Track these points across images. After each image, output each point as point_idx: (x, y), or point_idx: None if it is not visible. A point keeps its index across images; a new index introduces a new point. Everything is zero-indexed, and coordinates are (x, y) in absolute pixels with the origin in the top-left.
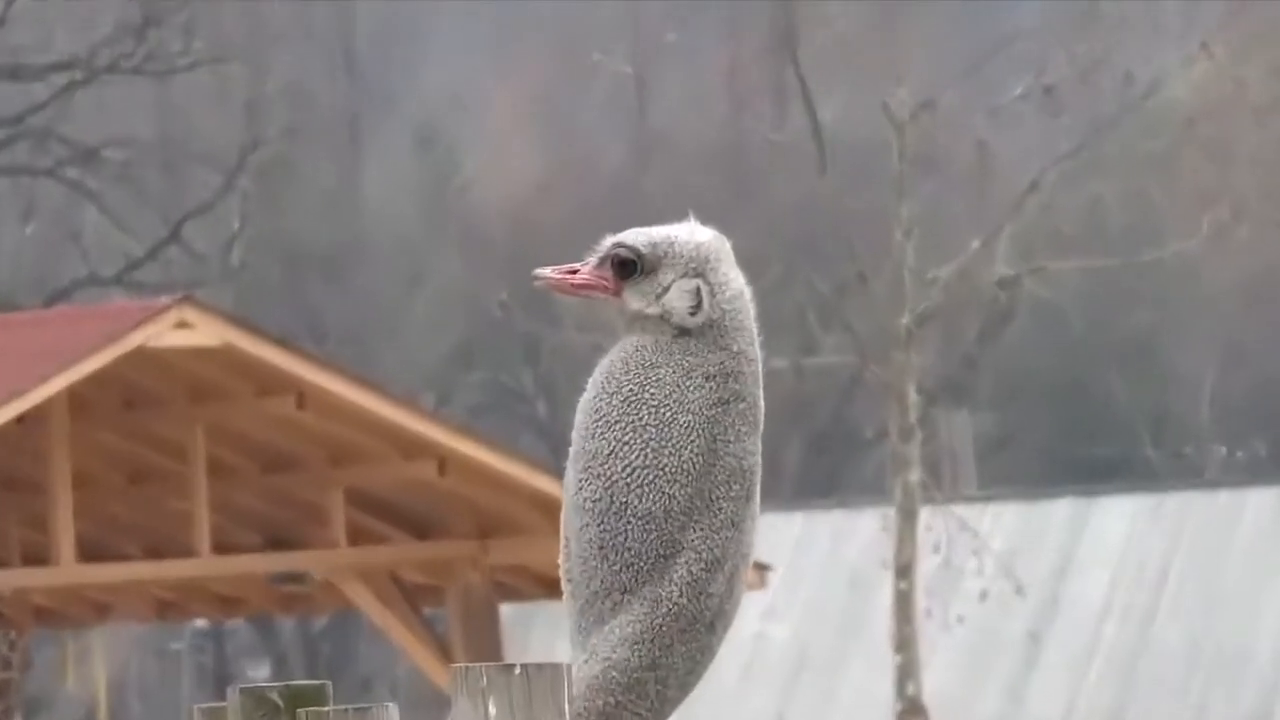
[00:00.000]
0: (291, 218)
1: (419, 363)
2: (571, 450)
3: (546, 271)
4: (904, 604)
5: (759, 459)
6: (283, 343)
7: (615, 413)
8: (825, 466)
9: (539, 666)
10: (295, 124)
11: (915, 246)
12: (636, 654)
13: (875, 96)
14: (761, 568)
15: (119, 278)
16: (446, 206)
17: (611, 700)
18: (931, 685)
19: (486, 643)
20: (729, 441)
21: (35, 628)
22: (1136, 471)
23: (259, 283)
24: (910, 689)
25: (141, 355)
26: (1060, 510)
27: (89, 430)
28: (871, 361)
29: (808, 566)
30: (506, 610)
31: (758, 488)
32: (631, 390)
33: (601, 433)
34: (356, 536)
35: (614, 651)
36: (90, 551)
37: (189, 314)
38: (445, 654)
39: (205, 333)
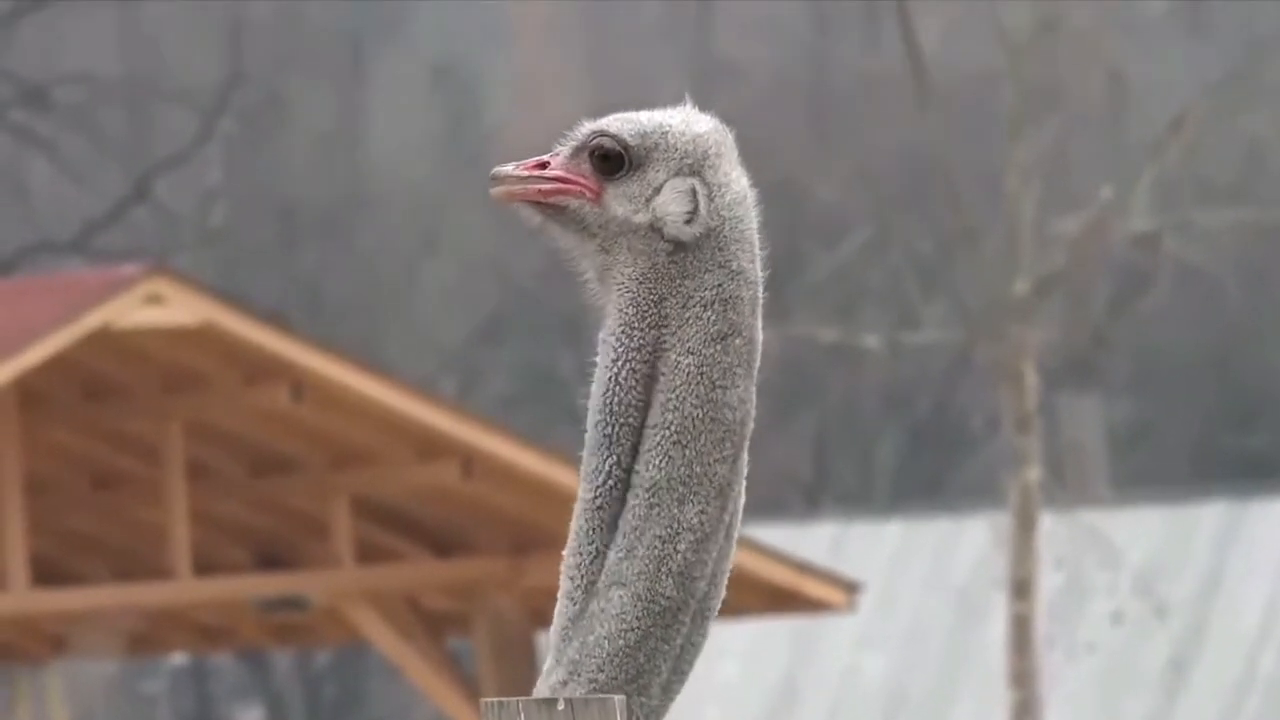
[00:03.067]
0: (282, 169)
1: (437, 344)
2: (590, 437)
3: (508, 169)
4: (1021, 630)
5: (751, 410)
6: (274, 321)
7: (645, 368)
8: (926, 464)
9: (585, 701)
10: (286, 55)
11: (1035, 197)
12: (623, 671)
13: (987, 15)
14: (851, 587)
15: (76, 243)
16: (468, 154)
17: None
18: None
19: (521, 678)
20: (725, 388)
21: None
22: None
23: (245, 248)
24: None
25: (105, 337)
26: (1209, 516)
27: (42, 427)
28: (982, 337)
29: (906, 585)
30: (545, 641)
31: (746, 444)
32: (651, 336)
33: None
34: (365, 553)
35: (601, 671)
36: (46, 573)
37: (161, 286)
38: (473, 693)
39: (181, 309)
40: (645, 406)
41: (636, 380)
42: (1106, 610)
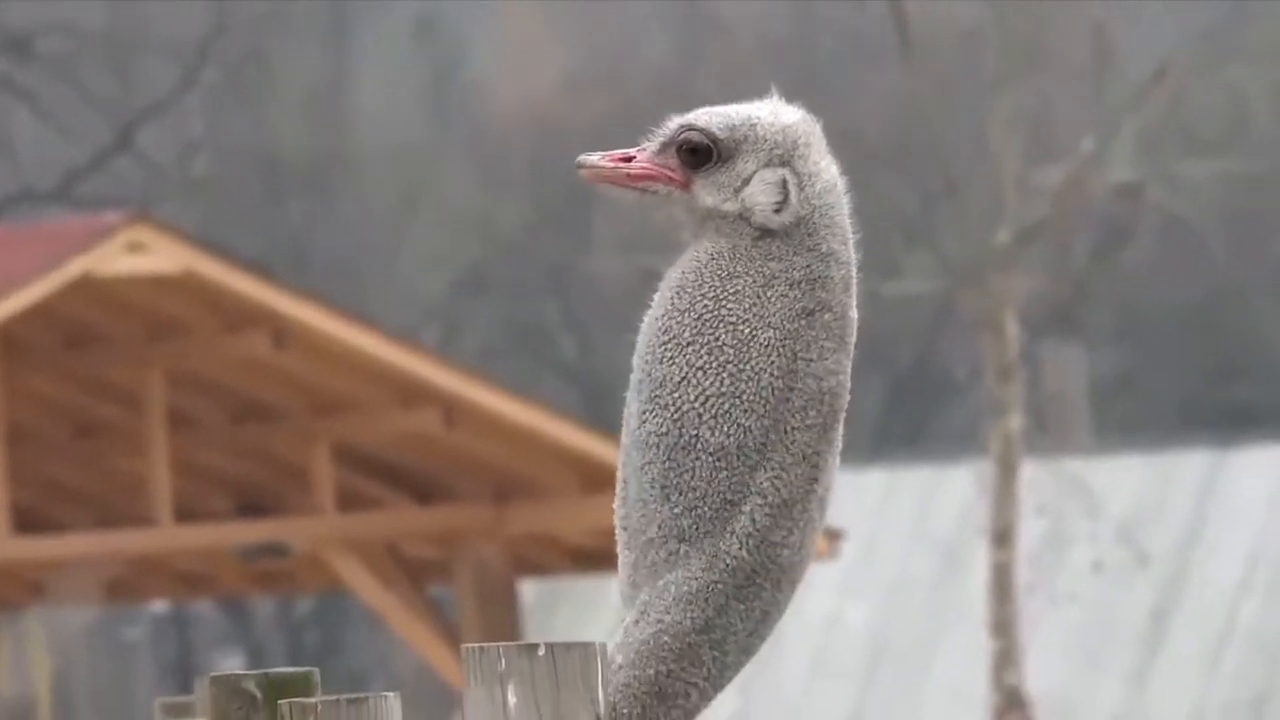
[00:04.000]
0: (265, 121)
1: (420, 294)
2: (634, 378)
3: (594, 158)
4: (1002, 578)
5: (844, 381)
6: (256, 269)
7: (688, 333)
8: (908, 414)
9: (567, 646)
10: (269, 7)
11: (1017, 149)
12: (689, 616)
13: None
14: (834, 535)
15: (58, 192)
16: (452, 108)
17: (663, 669)
18: (1036, 674)
19: (504, 626)
20: (810, 360)
21: None
22: None
23: (227, 199)
24: (1010, 679)
25: (87, 284)
26: (1192, 465)
27: (24, 376)
28: (964, 287)
29: (888, 534)
30: (528, 588)
31: (840, 416)
32: (706, 306)
33: (672, 357)
34: (346, 501)
35: (667, 613)
36: (27, 521)
37: (143, 234)
38: (455, 640)
39: (163, 257)
40: (674, 365)
41: (669, 338)
42: (1088, 559)
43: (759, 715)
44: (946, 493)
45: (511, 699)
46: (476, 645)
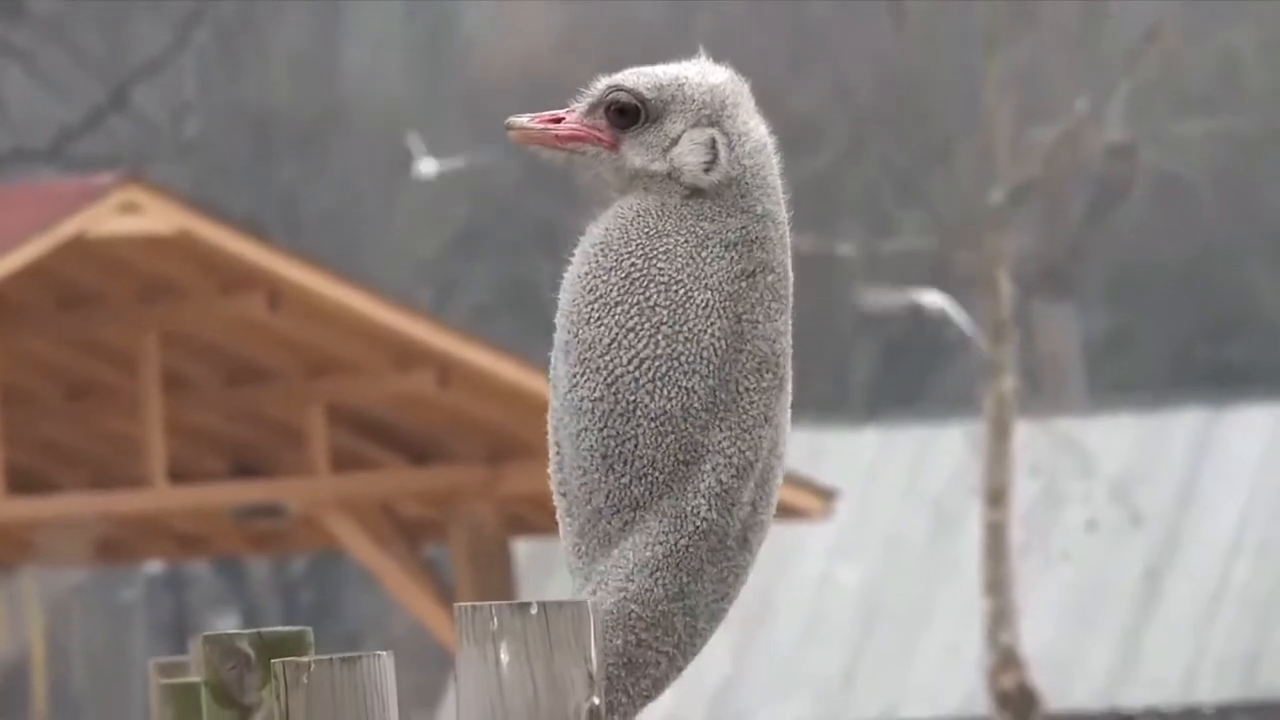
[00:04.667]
0: (258, 81)
1: (413, 255)
2: (559, 338)
3: (523, 119)
4: (996, 538)
5: (789, 341)
6: (250, 230)
7: (616, 293)
8: (902, 374)
9: (559, 604)
10: None
11: (1010, 109)
12: (659, 582)
13: None
14: (828, 495)
15: (52, 151)
16: (444, 68)
17: (632, 639)
18: (1030, 634)
19: (498, 586)
20: (756, 322)
21: None
22: (1276, 378)
23: (220, 159)
24: (1004, 638)
25: (80, 245)
26: (1184, 424)
27: (18, 337)
28: (957, 246)
29: (882, 494)
30: (522, 548)
31: (789, 375)
32: (635, 265)
33: (599, 318)
34: (341, 462)
35: (630, 580)
36: (22, 482)
37: (137, 195)
38: (449, 600)
39: (157, 218)
40: (603, 326)
41: (595, 298)
42: (1081, 518)
43: (753, 675)
44: (940, 453)
45: (504, 658)
46: (469, 604)
